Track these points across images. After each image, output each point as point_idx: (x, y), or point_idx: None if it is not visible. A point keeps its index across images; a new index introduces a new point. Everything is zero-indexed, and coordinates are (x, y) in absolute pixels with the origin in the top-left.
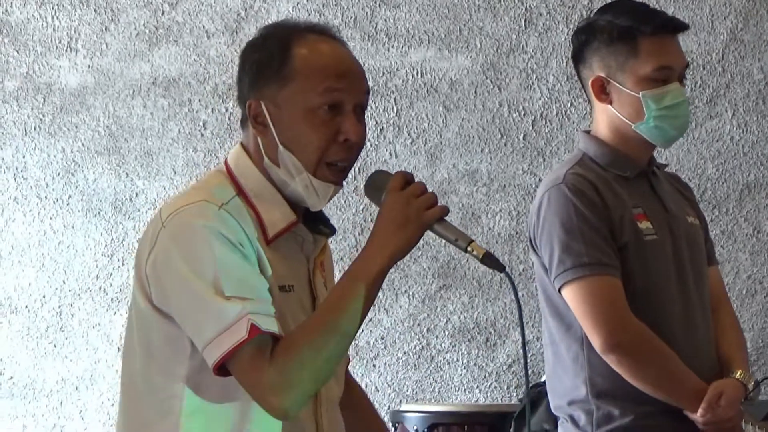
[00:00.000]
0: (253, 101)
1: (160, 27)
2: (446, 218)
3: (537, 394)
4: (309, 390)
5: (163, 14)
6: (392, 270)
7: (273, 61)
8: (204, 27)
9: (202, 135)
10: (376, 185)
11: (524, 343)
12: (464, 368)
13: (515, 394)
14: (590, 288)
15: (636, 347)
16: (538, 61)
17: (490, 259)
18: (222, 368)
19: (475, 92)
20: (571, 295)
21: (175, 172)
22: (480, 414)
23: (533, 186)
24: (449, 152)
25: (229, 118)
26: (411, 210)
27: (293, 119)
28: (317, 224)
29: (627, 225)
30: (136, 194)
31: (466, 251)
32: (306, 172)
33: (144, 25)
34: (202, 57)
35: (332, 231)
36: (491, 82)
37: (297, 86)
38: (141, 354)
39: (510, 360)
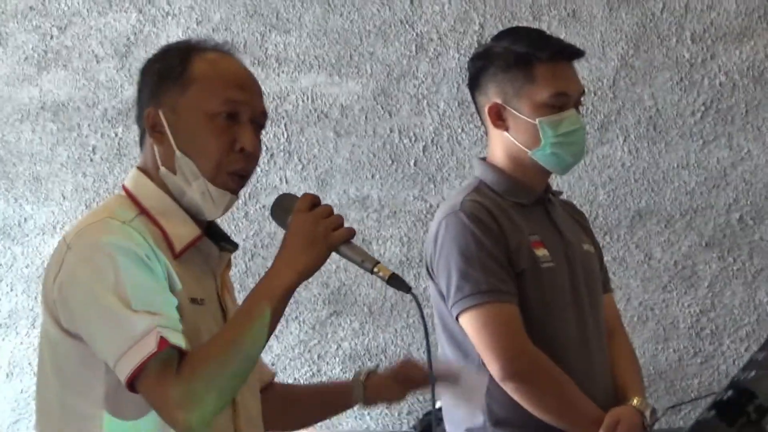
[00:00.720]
0: (151, 109)
1: (49, 51)
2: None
3: (428, 422)
4: (214, 407)
5: (51, 38)
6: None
7: (173, 69)
8: (93, 51)
9: (91, 160)
10: (283, 207)
11: (430, 361)
12: None
13: (406, 420)
14: (488, 315)
15: (534, 375)
16: (429, 86)
17: (396, 281)
18: (133, 385)
19: (366, 118)
20: (468, 323)
21: (64, 197)
22: None
23: (424, 212)
24: (340, 178)
25: (119, 143)
26: (318, 230)
27: (192, 124)
28: (219, 241)
29: (524, 252)
30: (25, 219)
31: (372, 272)
32: (203, 177)
33: (32, 49)
34: (91, 81)
35: (235, 247)
36: (382, 107)
37: (197, 92)
38: (55, 381)
39: None
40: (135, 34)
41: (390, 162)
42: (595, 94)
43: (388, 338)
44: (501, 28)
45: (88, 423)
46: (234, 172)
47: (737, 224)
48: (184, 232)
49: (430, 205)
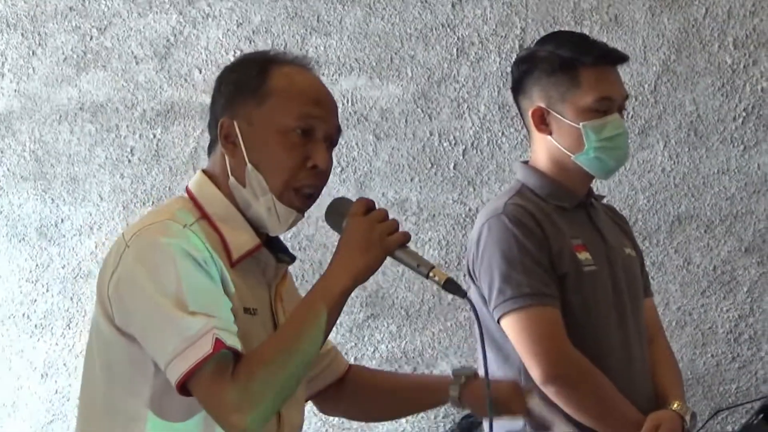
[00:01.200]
0: (226, 119)
1: (88, 52)
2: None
3: (469, 425)
4: (270, 409)
5: (91, 39)
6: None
7: (251, 80)
8: (133, 52)
9: (129, 161)
10: (338, 211)
11: (486, 367)
12: None
13: (442, 424)
14: (530, 319)
15: (575, 379)
16: (470, 90)
17: (451, 285)
18: (184, 387)
19: (406, 121)
20: (510, 326)
21: (102, 198)
22: None
23: (463, 215)
24: (379, 181)
25: (157, 145)
26: (374, 235)
27: (265, 138)
28: (277, 252)
29: (566, 256)
30: (62, 220)
31: (427, 277)
32: (271, 193)
33: (72, 49)
34: (130, 82)
35: (293, 259)
36: (422, 110)
37: (273, 106)
38: (102, 377)
39: None
40: (174, 35)
41: (429, 165)
42: (636, 99)
43: (425, 341)
44: (542, 33)
45: (132, 423)
46: (303, 190)
47: None
48: (243, 240)
49: (469, 209)
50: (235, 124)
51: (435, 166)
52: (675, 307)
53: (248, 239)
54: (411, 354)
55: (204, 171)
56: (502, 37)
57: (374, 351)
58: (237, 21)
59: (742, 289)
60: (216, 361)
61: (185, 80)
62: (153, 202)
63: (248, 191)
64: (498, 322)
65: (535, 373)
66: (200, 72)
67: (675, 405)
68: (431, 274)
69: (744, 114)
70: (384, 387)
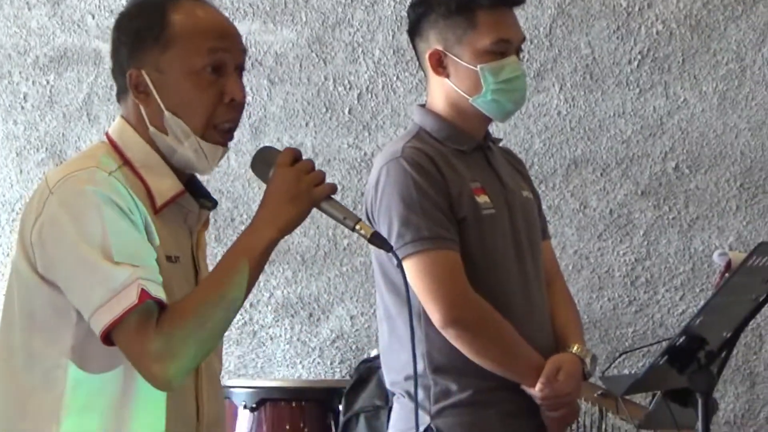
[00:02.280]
0: (134, 70)
1: None
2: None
3: (367, 370)
4: (193, 361)
5: None
6: (215, 245)
7: (152, 27)
8: None
9: (22, 107)
10: (264, 160)
11: (411, 323)
12: (287, 343)
13: (338, 369)
14: (430, 262)
15: (475, 322)
16: (364, 34)
17: (378, 239)
18: (108, 337)
19: (300, 65)
20: (410, 269)
21: None
22: (309, 390)
23: (358, 160)
24: (274, 126)
25: (50, 91)
26: (301, 185)
27: (177, 83)
28: (199, 197)
29: (465, 199)
30: None
31: (353, 230)
32: (194, 135)
33: None
34: (22, 28)
35: (214, 204)
36: (316, 55)
37: (179, 49)
38: (22, 325)
39: (333, 335)
40: None
41: (324, 110)
42: (531, 43)
43: (321, 286)
44: None
45: (52, 371)
46: (224, 125)
47: (673, 173)
48: (166, 186)
49: (365, 153)
50: (144, 73)
51: (330, 111)
52: (571, 251)
53: (171, 185)
54: (307, 299)
55: (122, 117)
56: None
57: (270, 297)
58: None
59: (639, 233)
60: (140, 312)
61: (78, 26)
62: (47, 149)
63: (171, 138)
64: (398, 264)
65: (435, 316)
66: (93, 17)
67: (575, 348)
68: (357, 227)
69: (639, 57)
70: None
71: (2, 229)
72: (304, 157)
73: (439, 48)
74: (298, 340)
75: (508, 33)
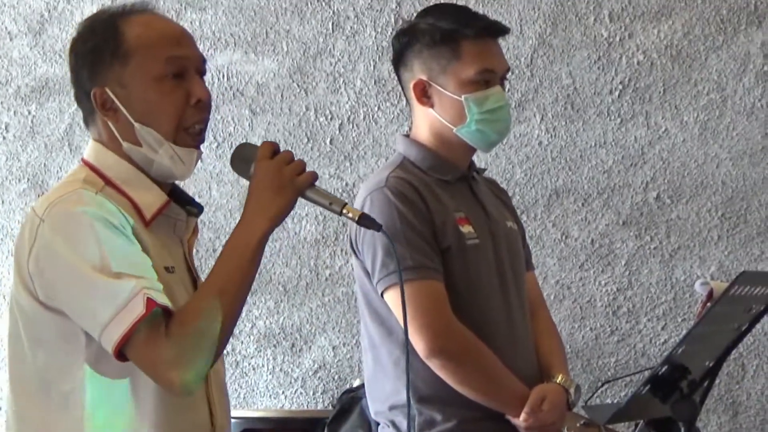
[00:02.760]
0: (97, 89)
1: None
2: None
3: (350, 400)
4: (206, 364)
5: None
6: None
7: (107, 44)
8: (6, 28)
9: (3, 138)
10: (243, 157)
11: (407, 334)
12: (270, 373)
13: (321, 399)
14: (413, 292)
15: (459, 352)
16: (345, 64)
17: (366, 219)
18: (121, 352)
19: (282, 96)
20: (393, 299)
21: None
22: (291, 420)
23: (340, 190)
24: None
25: (32, 121)
26: (284, 176)
27: (142, 93)
28: (185, 205)
29: (449, 229)
30: None
31: (341, 214)
32: (167, 142)
33: None
34: (4, 59)
35: (200, 210)
36: (298, 85)
37: (138, 60)
38: (33, 356)
39: (316, 365)
40: (49, 11)
41: (306, 140)
42: (512, 73)
43: (303, 317)
44: (418, 6)
45: (70, 395)
46: (194, 127)
47: (654, 203)
48: (151, 199)
49: (346, 183)
50: (108, 90)
51: (311, 141)
52: (553, 281)
53: (156, 197)
54: (289, 330)
55: (94, 140)
56: (377, 11)
57: (252, 327)
58: None
59: (620, 263)
60: (149, 322)
61: (60, 56)
62: (28, 179)
63: (146, 148)
64: (381, 295)
65: (420, 346)
66: None
67: (559, 378)
68: (345, 211)
69: (620, 87)
70: None
71: None
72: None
73: (424, 78)
74: (280, 370)
75: (493, 63)
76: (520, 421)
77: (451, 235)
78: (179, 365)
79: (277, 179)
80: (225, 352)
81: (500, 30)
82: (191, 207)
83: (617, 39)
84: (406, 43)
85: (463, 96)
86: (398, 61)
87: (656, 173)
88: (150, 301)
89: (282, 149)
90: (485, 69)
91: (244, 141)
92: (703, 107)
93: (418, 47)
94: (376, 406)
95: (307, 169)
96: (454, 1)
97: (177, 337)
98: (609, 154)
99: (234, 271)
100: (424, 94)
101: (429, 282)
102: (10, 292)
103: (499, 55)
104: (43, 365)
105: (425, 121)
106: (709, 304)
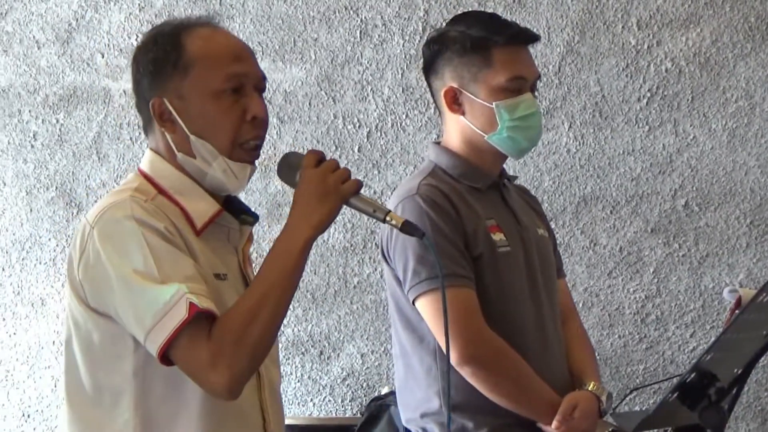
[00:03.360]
0: (156, 99)
1: None
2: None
3: (378, 408)
4: (248, 367)
5: None
6: None
7: (169, 55)
8: (34, 37)
9: (32, 146)
10: (290, 165)
11: (448, 356)
12: (298, 381)
13: (350, 407)
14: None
15: (491, 360)
16: (373, 72)
17: (409, 226)
18: (165, 356)
19: (310, 104)
20: (425, 307)
21: (5, 183)
22: (320, 428)
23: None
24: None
25: (60, 129)
26: (329, 184)
27: (200, 107)
28: (239, 214)
29: (481, 237)
30: None
31: (384, 221)
32: (221, 156)
33: None
34: (32, 67)
35: (255, 218)
36: (326, 93)
37: (198, 74)
38: (84, 361)
39: (344, 373)
40: (77, 19)
41: (334, 148)
42: (540, 81)
43: (331, 324)
44: (446, 15)
45: (119, 398)
46: (249, 143)
47: (683, 210)
48: (203, 209)
49: (374, 191)
50: (166, 101)
51: (339, 149)
52: (582, 289)
53: (208, 206)
54: (317, 337)
55: (151, 149)
56: (405, 19)
57: (280, 334)
58: (139, 5)
59: (649, 270)
60: (192, 326)
61: (87, 65)
62: (56, 188)
63: (199, 161)
64: (413, 303)
65: (451, 354)
66: (102, 56)
67: (591, 385)
68: (388, 218)
69: (648, 95)
70: None
71: (12, 267)
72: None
73: (455, 85)
74: (308, 377)
75: (523, 70)
76: (552, 428)
77: (482, 242)
78: (218, 368)
79: (322, 187)
80: None
81: (531, 37)
82: (246, 216)
83: (645, 47)
84: (436, 51)
85: (494, 103)
86: (429, 69)
87: (684, 181)
88: (192, 306)
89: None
90: (516, 76)
91: (274, 150)
92: (732, 114)
93: (449, 55)
94: (407, 413)
95: (337, 162)
96: (483, 10)
97: (218, 341)
98: (637, 162)
99: (277, 277)
100: (455, 102)
101: (460, 290)
102: (66, 300)
103: (529, 62)
104: (93, 370)
105: (456, 129)
106: (737, 312)
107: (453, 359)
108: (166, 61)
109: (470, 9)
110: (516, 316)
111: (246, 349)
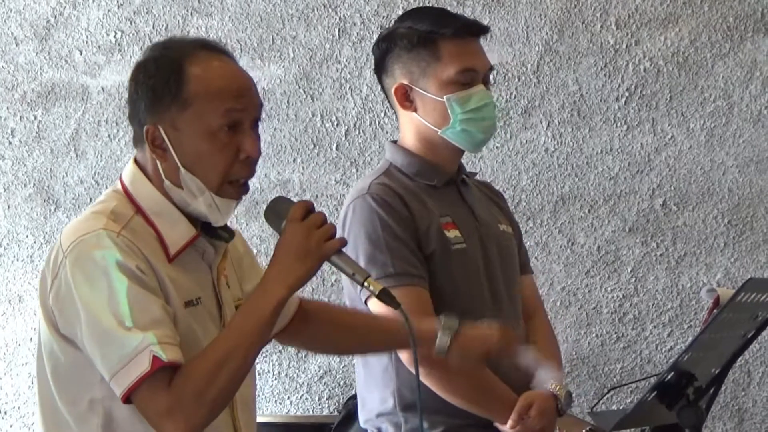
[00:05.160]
0: (151, 126)
1: None
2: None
3: (354, 406)
4: (206, 418)
5: None
6: None
7: (169, 85)
8: (12, 34)
9: (9, 143)
10: (277, 213)
11: (417, 371)
12: (275, 379)
13: (326, 405)
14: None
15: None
16: (352, 71)
17: (386, 296)
18: (130, 397)
19: (288, 102)
20: (377, 307)
21: None
22: (297, 426)
23: (345, 196)
24: (261, 162)
25: (38, 126)
26: (311, 241)
27: (194, 142)
28: (215, 231)
29: (434, 234)
30: None
31: (362, 286)
32: (208, 191)
33: None
34: (10, 64)
35: (231, 235)
36: (304, 91)
37: (196, 110)
38: (53, 377)
39: (321, 371)
40: (55, 16)
41: (312, 146)
42: (518, 80)
43: None
44: None
45: (86, 414)
46: (239, 181)
47: (660, 209)
48: (178, 234)
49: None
50: (161, 129)
51: (317, 147)
52: (559, 287)
53: (184, 232)
54: None
55: (136, 162)
56: (384, 17)
57: None
58: (117, 2)
59: (626, 269)
60: (154, 377)
61: (66, 61)
62: (34, 184)
63: (186, 193)
64: (365, 303)
65: (405, 355)
66: (81, 53)
67: (550, 384)
68: (366, 284)
69: (627, 94)
70: (342, 323)
71: None
72: (299, 199)
73: (405, 82)
74: (286, 376)
75: (473, 62)
76: (507, 428)
77: (435, 240)
78: (173, 418)
79: (304, 244)
80: None
81: (479, 29)
82: (223, 232)
83: (624, 46)
84: (385, 48)
85: (445, 97)
86: (380, 68)
87: (662, 180)
88: (155, 359)
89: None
90: (466, 68)
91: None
92: (710, 114)
93: (398, 51)
94: (364, 414)
95: (324, 217)
96: (458, 11)
97: (179, 392)
98: (615, 161)
99: (246, 334)
100: (406, 99)
101: (412, 288)
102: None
103: (480, 54)
104: (60, 390)
105: (410, 126)
106: (715, 311)
107: (406, 359)
108: (165, 90)
109: (448, 8)
110: (472, 313)
111: (206, 403)
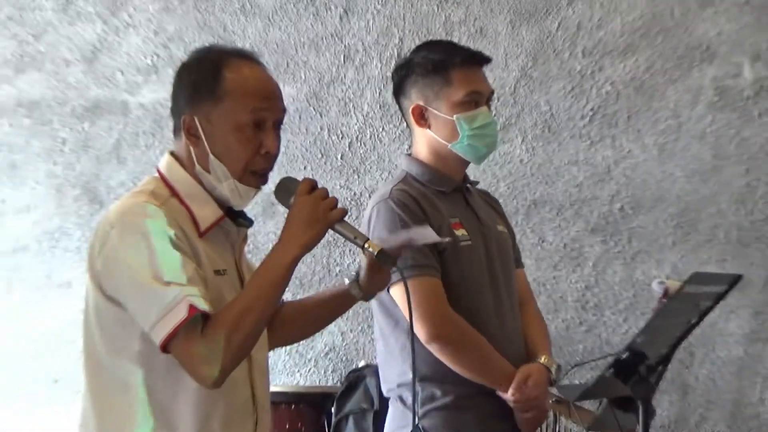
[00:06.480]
0: (188, 116)
1: (24, 56)
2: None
3: (355, 378)
4: (231, 362)
5: (27, 45)
6: None
7: (207, 82)
8: (63, 57)
9: (61, 150)
10: (286, 189)
11: (413, 343)
12: (287, 354)
13: (331, 377)
14: (414, 287)
15: (455, 337)
16: (355, 91)
17: (383, 255)
18: (166, 347)
19: (300, 117)
20: (398, 294)
21: (37, 182)
22: (305, 395)
23: (348, 199)
24: (276, 170)
25: (85, 136)
26: (318, 210)
27: (224, 134)
28: (238, 218)
29: (445, 232)
30: (3, 201)
31: (362, 248)
32: (232, 178)
33: (11, 54)
34: (61, 82)
35: (250, 223)
36: (314, 109)
37: (229, 105)
38: (100, 341)
39: (327, 348)
40: (100, 42)
41: (320, 156)
42: (498, 100)
43: None
44: (418, 42)
45: (127, 377)
46: (258, 172)
47: (618, 213)
48: (208, 214)
49: (354, 193)
50: (196, 120)
51: (325, 157)
52: (531, 279)
53: (212, 212)
54: None
55: (171, 153)
56: (383, 45)
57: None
58: (154, 30)
59: (588, 264)
60: (190, 324)
61: (109, 81)
62: (81, 186)
63: (213, 177)
64: (388, 291)
65: (420, 333)
66: (122, 74)
67: (543, 358)
68: (366, 245)
69: (591, 113)
70: (301, 309)
71: (44, 255)
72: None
73: (421, 103)
74: (296, 352)
75: (479, 86)
76: (509, 395)
77: (446, 237)
78: (209, 362)
79: (312, 213)
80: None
81: (483, 58)
82: (243, 220)
83: (589, 72)
84: (404, 75)
85: (454, 116)
86: (398, 92)
87: (620, 188)
88: (192, 308)
89: (309, 175)
90: (472, 91)
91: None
92: (662, 131)
93: (414, 77)
94: (387, 384)
95: (327, 191)
96: (443, 36)
97: (209, 339)
98: (580, 171)
99: (265, 288)
100: (421, 117)
101: (427, 278)
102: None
103: (483, 80)
104: (106, 348)
105: (424, 141)
106: (664, 301)
107: (422, 337)
108: (204, 86)
109: (438, 37)
110: (476, 301)
111: (233, 348)
